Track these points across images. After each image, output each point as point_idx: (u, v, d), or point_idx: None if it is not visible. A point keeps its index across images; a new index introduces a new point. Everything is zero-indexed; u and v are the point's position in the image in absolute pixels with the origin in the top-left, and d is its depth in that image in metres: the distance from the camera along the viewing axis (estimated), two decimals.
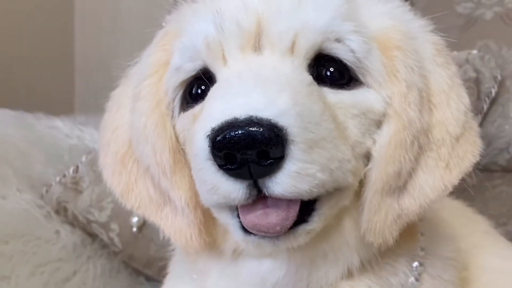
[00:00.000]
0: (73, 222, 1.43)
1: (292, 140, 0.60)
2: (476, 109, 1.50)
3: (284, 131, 0.60)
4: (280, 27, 0.68)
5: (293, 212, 0.64)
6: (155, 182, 0.77)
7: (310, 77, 0.68)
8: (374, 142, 0.72)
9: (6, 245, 1.23)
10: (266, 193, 0.63)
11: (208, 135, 0.61)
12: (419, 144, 0.72)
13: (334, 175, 0.64)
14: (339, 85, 0.70)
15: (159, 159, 0.75)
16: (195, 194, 0.73)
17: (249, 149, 0.59)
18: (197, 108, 0.72)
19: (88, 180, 1.43)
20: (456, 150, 0.74)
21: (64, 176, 1.45)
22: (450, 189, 0.74)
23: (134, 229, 1.39)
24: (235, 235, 0.69)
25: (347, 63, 0.70)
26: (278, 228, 0.64)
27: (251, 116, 0.60)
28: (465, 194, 1.13)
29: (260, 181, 0.62)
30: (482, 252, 1.02)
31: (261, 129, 0.59)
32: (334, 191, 0.66)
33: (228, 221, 0.68)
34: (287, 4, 0.69)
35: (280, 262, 0.73)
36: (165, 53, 0.76)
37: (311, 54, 0.69)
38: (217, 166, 0.61)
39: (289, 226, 0.65)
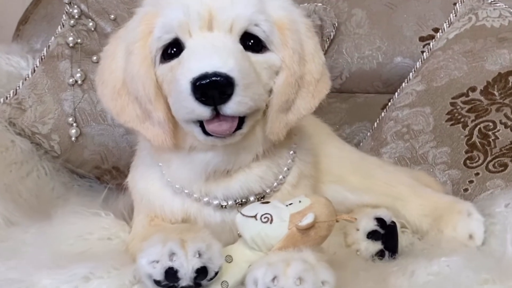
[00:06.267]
0: (21, 133, 1.70)
1: (237, 84, 0.95)
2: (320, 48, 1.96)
3: (233, 79, 0.94)
4: (224, 17, 1.01)
5: (235, 123, 1.00)
6: (142, 106, 1.07)
7: (241, 47, 1.02)
8: (274, 83, 1.07)
9: None
10: (221, 113, 0.97)
11: (191, 81, 0.95)
12: (298, 84, 1.08)
13: (256, 102, 1.00)
14: (257, 50, 1.05)
15: (147, 92, 1.05)
16: (167, 114, 1.06)
17: (214, 89, 0.94)
18: (173, 62, 1.03)
19: (31, 101, 1.71)
20: (317, 87, 1.11)
21: (7, 98, 1.71)
22: (313, 109, 1.12)
23: (73, 139, 1.70)
24: (199, 137, 1.02)
25: (261, 38, 1.05)
26: (227, 132, 1.00)
27: (215, 71, 0.94)
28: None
29: (218, 106, 0.96)
30: (325, 145, 1.45)
31: (221, 79, 0.93)
32: (255, 111, 1.02)
33: (193, 129, 1.02)
34: (226, 2, 1.02)
35: (218, 153, 1.08)
36: (148, 27, 1.06)
37: (241, 32, 1.03)
38: (195, 98, 0.95)
39: (232, 131, 1.01)
